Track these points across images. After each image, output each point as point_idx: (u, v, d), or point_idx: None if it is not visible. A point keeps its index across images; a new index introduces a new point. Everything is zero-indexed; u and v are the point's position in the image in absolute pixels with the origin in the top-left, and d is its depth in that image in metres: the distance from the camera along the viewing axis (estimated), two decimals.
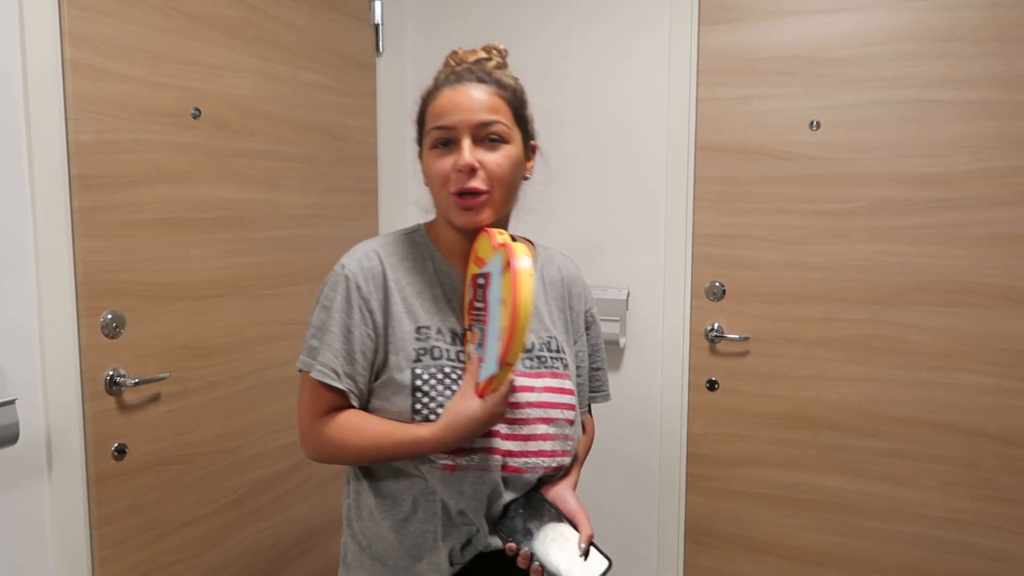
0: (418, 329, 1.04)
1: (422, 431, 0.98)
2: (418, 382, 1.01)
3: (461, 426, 0.96)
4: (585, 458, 1.23)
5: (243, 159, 1.77)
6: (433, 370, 1.02)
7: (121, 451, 1.50)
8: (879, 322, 1.92)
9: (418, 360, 1.02)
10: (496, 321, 0.94)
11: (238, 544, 1.79)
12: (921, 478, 1.91)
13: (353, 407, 1.05)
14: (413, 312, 1.05)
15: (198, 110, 1.64)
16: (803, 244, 1.97)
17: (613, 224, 2.17)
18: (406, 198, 2.37)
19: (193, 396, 1.66)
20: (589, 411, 1.27)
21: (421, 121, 1.08)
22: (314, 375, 1.03)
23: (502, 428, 1.03)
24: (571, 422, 1.08)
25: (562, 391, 1.08)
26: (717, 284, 2.07)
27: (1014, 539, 1.84)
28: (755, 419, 2.06)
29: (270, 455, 1.88)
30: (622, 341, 2.12)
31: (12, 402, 1.25)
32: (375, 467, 1.08)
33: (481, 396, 0.97)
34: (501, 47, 1.12)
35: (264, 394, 1.85)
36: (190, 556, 1.67)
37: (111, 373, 1.47)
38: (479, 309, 1.02)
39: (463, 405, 0.97)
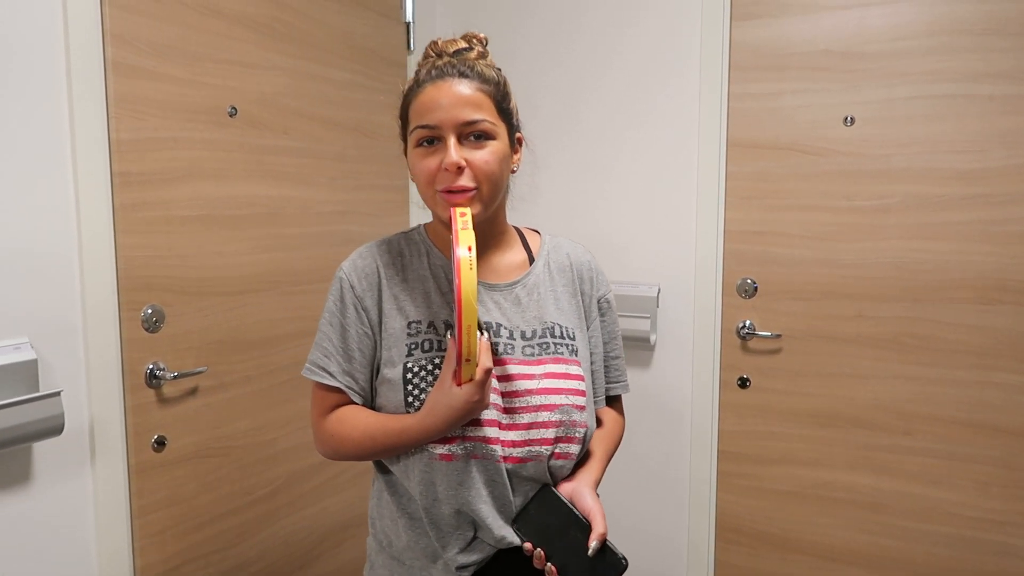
0: (409, 324, 1.06)
1: (407, 419, 1.00)
2: (409, 375, 1.03)
3: (441, 413, 0.97)
4: (612, 452, 1.18)
5: (276, 156, 1.79)
6: (424, 362, 1.03)
7: (161, 443, 1.53)
8: (913, 320, 1.89)
9: (409, 354, 1.04)
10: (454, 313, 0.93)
11: (272, 536, 1.82)
12: (955, 478, 1.88)
13: (356, 404, 1.08)
14: (404, 308, 1.07)
15: (234, 108, 1.67)
16: (836, 241, 1.95)
17: (644, 221, 2.16)
18: None
19: (229, 390, 1.69)
20: (616, 402, 1.24)
21: (404, 117, 1.07)
22: (307, 375, 1.08)
23: (501, 418, 1.02)
24: (580, 408, 1.05)
25: (566, 376, 1.06)
26: (749, 281, 2.06)
27: None
28: (787, 417, 2.05)
29: (304, 448, 1.90)
30: (652, 338, 2.12)
31: (57, 394, 1.28)
32: (393, 464, 1.08)
33: (459, 384, 0.96)
34: (481, 35, 1.09)
35: (298, 388, 1.87)
36: (225, 547, 1.69)
37: (151, 366, 1.50)
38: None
39: (441, 393, 0.97)
